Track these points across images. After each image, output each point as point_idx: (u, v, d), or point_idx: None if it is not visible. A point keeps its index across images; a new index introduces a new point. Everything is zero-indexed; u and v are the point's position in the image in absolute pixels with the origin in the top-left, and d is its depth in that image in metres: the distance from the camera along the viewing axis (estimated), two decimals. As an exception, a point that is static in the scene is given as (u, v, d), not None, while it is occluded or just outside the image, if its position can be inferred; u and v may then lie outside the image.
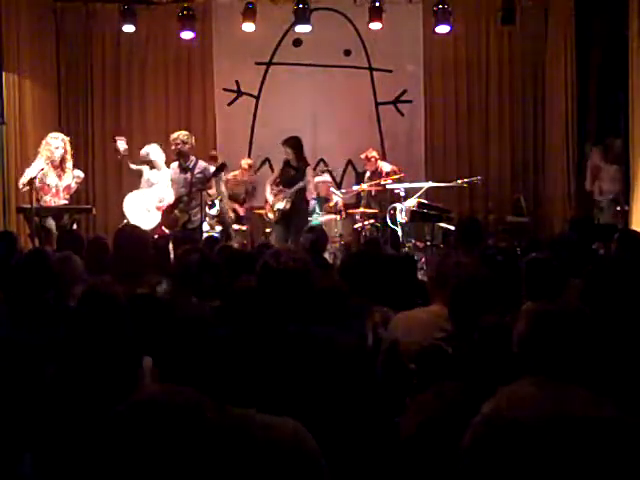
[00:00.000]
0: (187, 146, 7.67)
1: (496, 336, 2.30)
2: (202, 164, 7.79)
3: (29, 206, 7.76)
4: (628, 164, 8.31)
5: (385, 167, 9.13)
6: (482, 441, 1.09)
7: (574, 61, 9.74)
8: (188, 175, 7.65)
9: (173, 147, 7.70)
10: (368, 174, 9.23)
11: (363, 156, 9.24)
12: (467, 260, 3.52)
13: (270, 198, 8.28)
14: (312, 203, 8.66)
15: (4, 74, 8.54)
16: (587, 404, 1.05)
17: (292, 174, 8.16)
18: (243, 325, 2.57)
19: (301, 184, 8.08)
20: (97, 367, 2.42)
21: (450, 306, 2.99)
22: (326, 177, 9.39)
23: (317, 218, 8.81)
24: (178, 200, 7.74)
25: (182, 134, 7.74)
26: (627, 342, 2.56)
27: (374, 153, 9.24)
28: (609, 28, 9.05)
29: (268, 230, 8.89)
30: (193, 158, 7.74)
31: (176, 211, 7.73)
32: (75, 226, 7.97)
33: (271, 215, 8.33)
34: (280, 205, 8.17)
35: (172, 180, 7.86)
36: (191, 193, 7.64)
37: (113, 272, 3.96)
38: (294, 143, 8.18)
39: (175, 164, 7.81)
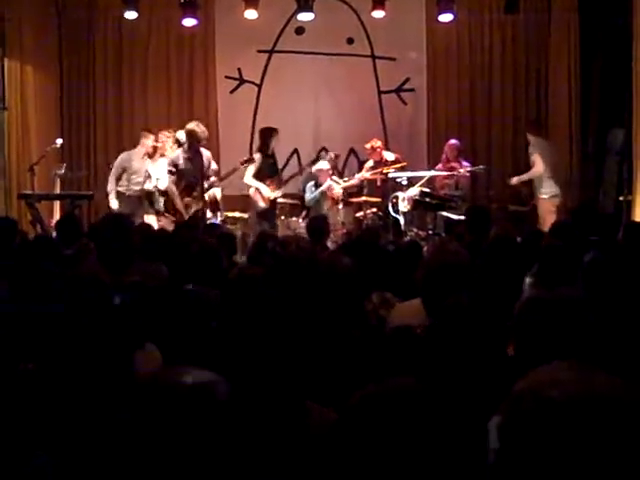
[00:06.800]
0: (198, 136, 7.84)
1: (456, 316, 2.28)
2: (207, 153, 7.98)
3: (30, 192, 7.77)
4: (631, 155, 8.29)
5: (389, 156, 9.11)
6: (513, 418, 1.11)
7: (577, 50, 9.70)
8: (198, 163, 7.80)
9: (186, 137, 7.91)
10: (371, 163, 9.19)
11: (368, 146, 9.16)
12: (452, 248, 3.51)
13: (262, 187, 8.42)
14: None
15: (6, 60, 8.53)
16: (617, 387, 1.08)
17: (272, 162, 8.54)
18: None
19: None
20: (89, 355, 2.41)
21: (421, 292, 2.97)
22: (325, 165, 9.31)
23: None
24: (191, 188, 7.81)
25: (194, 124, 7.94)
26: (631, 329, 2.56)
27: (379, 143, 9.19)
28: (613, 16, 9.00)
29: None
30: (200, 147, 7.94)
31: (188, 199, 7.84)
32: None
33: (263, 204, 8.45)
34: (278, 193, 8.52)
35: (179, 169, 7.94)
36: (203, 181, 7.78)
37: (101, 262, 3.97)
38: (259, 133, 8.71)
39: (179, 151, 8.00)
